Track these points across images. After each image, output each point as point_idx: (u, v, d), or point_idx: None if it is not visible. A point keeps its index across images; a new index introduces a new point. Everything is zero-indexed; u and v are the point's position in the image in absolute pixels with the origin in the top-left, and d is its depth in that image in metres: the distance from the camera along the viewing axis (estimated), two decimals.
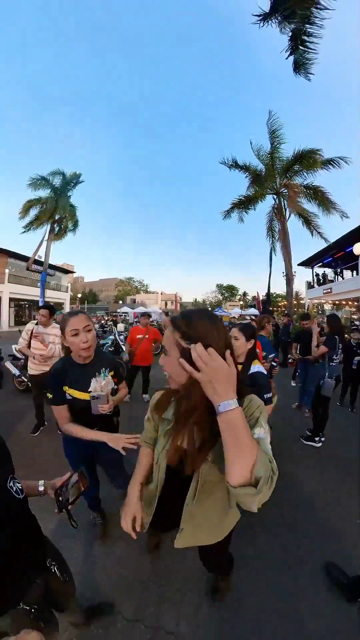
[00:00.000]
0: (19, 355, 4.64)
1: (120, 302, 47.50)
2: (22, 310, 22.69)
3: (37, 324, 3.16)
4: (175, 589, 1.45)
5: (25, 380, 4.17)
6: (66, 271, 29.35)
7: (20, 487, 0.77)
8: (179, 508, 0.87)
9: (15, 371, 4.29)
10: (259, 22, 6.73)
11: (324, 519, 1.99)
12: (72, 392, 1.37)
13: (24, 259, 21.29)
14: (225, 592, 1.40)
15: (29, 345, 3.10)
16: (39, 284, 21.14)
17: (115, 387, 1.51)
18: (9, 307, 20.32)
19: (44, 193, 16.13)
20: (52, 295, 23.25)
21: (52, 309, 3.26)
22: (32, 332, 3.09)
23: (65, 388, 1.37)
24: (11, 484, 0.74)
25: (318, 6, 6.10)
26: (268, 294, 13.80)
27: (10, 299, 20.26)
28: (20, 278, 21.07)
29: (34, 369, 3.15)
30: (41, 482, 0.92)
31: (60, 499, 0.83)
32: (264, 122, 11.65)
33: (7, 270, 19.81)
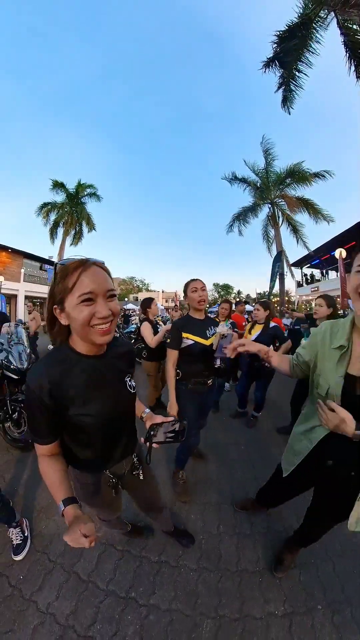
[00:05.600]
0: None
1: (126, 299, 48.79)
2: (35, 306, 24.19)
3: None
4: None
5: None
6: None
7: (134, 385, 0.95)
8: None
9: None
10: (262, 68, 8.53)
11: None
12: (194, 338, 1.73)
13: (37, 259, 22.81)
14: (288, 566, 1.39)
15: None
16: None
17: None
18: (24, 304, 21.82)
19: (60, 198, 17.69)
20: None
21: None
22: None
23: (186, 335, 1.74)
24: (128, 379, 0.93)
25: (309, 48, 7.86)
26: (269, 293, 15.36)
27: (26, 297, 21.80)
28: (34, 277, 22.62)
29: None
30: (147, 409, 1.03)
31: (152, 432, 0.88)
32: (264, 132, 13.06)
33: (22, 270, 21.30)
